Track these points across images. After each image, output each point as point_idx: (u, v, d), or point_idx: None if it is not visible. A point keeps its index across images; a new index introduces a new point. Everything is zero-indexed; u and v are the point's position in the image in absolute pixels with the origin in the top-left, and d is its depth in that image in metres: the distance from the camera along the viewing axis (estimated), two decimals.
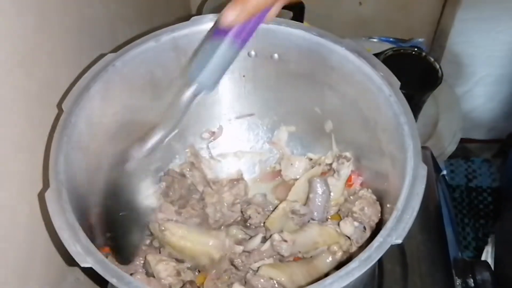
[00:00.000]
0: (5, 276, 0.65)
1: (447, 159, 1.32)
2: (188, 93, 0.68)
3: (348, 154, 0.86)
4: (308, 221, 0.83)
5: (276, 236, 0.77)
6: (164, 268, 0.75)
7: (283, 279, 0.72)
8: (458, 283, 0.88)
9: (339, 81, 0.80)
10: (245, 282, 0.75)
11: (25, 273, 0.69)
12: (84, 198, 0.69)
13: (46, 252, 0.74)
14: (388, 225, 0.60)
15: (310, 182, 0.85)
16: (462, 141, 1.31)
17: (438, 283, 0.86)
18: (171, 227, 0.78)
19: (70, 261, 0.77)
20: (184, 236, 0.78)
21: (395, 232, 0.59)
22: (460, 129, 1.29)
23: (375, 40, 1.43)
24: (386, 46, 1.34)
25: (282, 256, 0.78)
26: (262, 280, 0.72)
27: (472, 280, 0.88)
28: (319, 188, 0.83)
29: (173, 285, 0.75)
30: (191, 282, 0.76)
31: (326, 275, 0.57)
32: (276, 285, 0.72)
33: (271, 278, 0.72)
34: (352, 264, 0.57)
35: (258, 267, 0.75)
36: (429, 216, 0.95)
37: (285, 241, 0.77)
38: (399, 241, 0.58)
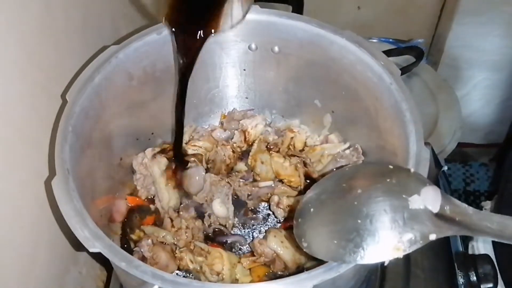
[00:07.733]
0: (10, 267, 0.64)
1: (444, 163, 1.31)
2: None
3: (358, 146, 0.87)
4: None
5: (275, 198, 0.81)
6: None
7: (286, 258, 0.74)
8: (460, 277, 0.87)
9: (339, 73, 0.81)
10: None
11: (30, 264, 0.69)
12: (88, 186, 0.69)
13: (51, 241, 0.74)
14: None
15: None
16: (460, 145, 1.31)
17: (440, 276, 0.86)
18: None
19: (77, 246, 0.79)
20: None
21: None
22: (460, 128, 1.29)
23: (374, 40, 1.44)
24: (385, 46, 1.35)
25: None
26: (267, 250, 0.74)
27: (474, 273, 0.87)
28: None
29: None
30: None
31: None
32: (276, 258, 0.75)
33: (275, 252, 0.74)
34: None
35: (266, 232, 0.78)
36: None
37: (280, 207, 0.81)
38: None
